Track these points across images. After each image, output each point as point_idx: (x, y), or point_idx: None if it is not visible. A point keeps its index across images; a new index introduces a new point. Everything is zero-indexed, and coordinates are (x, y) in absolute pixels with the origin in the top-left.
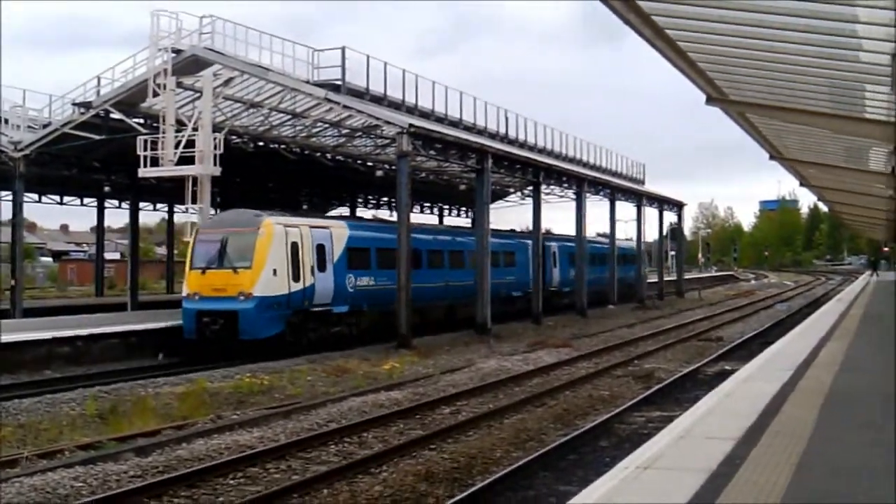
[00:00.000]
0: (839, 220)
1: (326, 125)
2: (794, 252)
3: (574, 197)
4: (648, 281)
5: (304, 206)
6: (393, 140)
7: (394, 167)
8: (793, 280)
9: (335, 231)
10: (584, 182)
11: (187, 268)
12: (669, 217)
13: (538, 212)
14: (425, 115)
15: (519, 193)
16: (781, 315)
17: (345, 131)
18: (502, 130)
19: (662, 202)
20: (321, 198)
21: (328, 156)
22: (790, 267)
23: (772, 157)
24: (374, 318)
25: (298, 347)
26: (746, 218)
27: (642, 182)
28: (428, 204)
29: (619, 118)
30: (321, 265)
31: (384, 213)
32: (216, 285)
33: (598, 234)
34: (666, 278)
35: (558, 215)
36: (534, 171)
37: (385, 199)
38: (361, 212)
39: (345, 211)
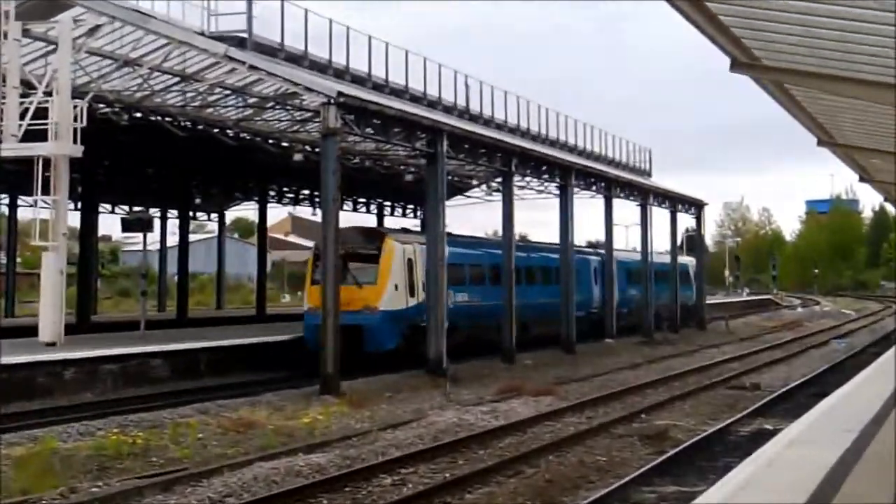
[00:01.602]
0: None
1: (228, 92)
2: (855, 270)
3: (557, 192)
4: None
5: (197, 201)
6: (316, 113)
7: (317, 149)
8: (853, 308)
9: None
10: (570, 173)
11: (307, 282)
12: (685, 220)
13: (509, 210)
14: (360, 80)
15: (484, 187)
16: (839, 356)
17: (252, 101)
18: (462, 102)
19: (676, 201)
20: (220, 188)
21: (230, 133)
22: (849, 290)
23: (820, 143)
24: (469, 335)
25: (413, 360)
26: (788, 223)
27: (648, 174)
28: (363, 199)
29: (619, 88)
30: None
31: (304, 211)
32: (341, 300)
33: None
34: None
35: (536, 216)
36: (504, 158)
37: (306, 191)
38: (274, 208)
39: (251, 206)
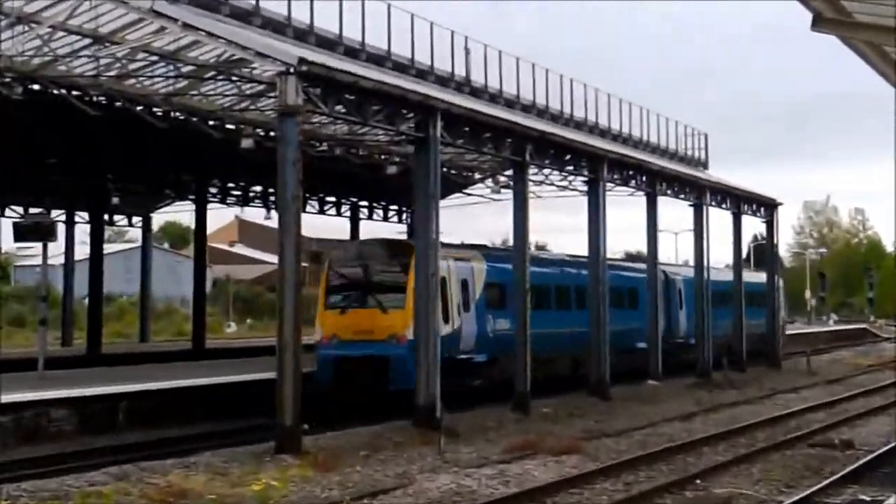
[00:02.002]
0: None
1: (155, 58)
2: None
3: (585, 189)
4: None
5: (115, 200)
6: (271, 86)
7: (273, 133)
8: None
9: (475, 265)
10: (602, 163)
11: (320, 307)
12: (752, 226)
13: (523, 211)
14: (328, 43)
15: (490, 182)
16: None
17: (187, 70)
18: (461, 73)
19: (740, 200)
20: (145, 184)
21: (158, 111)
22: None
23: None
24: (511, 370)
25: (448, 400)
26: (891, 228)
27: (704, 165)
28: (332, 198)
29: (668, 57)
30: (465, 304)
31: (256, 213)
32: (360, 327)
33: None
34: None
35: (556, 220)
36: (515, 144)
37: (257, 188)
38: (217, 210)
39: (185, 206)
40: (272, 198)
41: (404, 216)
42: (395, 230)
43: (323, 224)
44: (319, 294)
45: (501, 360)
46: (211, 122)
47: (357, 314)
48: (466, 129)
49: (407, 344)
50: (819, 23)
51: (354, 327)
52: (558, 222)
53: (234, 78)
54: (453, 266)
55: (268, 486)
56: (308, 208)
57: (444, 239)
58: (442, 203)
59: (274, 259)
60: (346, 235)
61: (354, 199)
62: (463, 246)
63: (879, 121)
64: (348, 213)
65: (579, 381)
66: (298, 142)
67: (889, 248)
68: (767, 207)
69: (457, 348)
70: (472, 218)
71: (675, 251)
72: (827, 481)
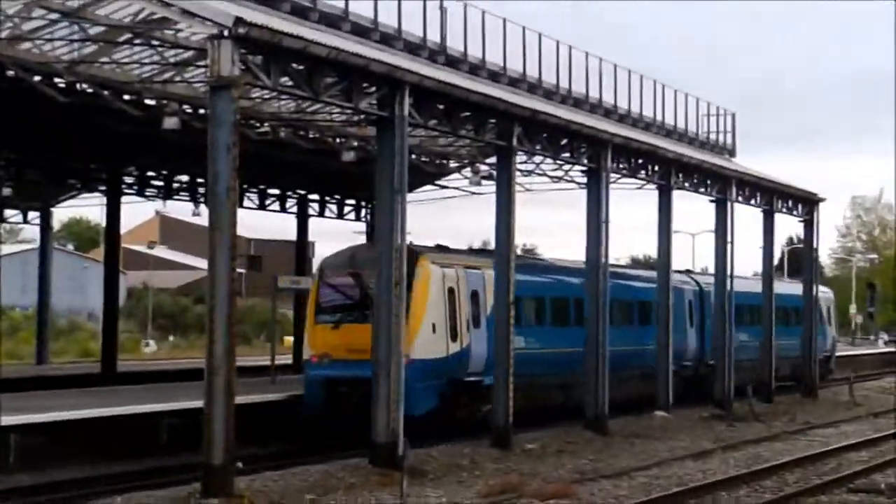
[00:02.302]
0: None
1: (56, 16)
2: None
3: (584, 180)
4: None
5: (6, 191)
6: (202, 53)
7: (203, 111)
8: None
9: (487, 274)
10: (605, 149)
11: (309, 321)
12: (788, 226)
13: (507, 206)
14: (270, 0)
15: (469, 171)
16: None
17: (97, 31)
18: (434, 38)
19: (773, 194)
20: (44, 172)
21: (60, 83)
22: None
23: None
24: (528, 395)
25: (452, 429)
26: None
27: (730, 152)
28: (276, 191)
29: (685, 24)
30: (475, 319)
31: (181, 208)
32: (355, 345)
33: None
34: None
35: (542, 215)
36: (500, 126)
37: (183, 177)
38: (133, 204)
39: (94, 199)
40: (201, 190)
41: (363, 212)
42: (351, 229)
43: (264, 222)
44: (309, 306)
45: (518, 382)
46: (126, 97)
47: (352, 330)
48: (441, 106)
49: (411, 365)
50: None
51: (349, 345)
52: (552, 221)
53: (154, 42)
54: (462, 275)
55: None
56: (246, 202)
57: (410, 239)
58: (410, 197)
59: (203, 264)
60: (292, 235)
61: (303, 192)
62: (472, 251)
63: None
64: (295, 209)
65: (575, 412)
66: (234, 122)
67: None
68: (806, 204)
69: (465, 370)
70: (447, 215)
71: (693, 256)
72: None
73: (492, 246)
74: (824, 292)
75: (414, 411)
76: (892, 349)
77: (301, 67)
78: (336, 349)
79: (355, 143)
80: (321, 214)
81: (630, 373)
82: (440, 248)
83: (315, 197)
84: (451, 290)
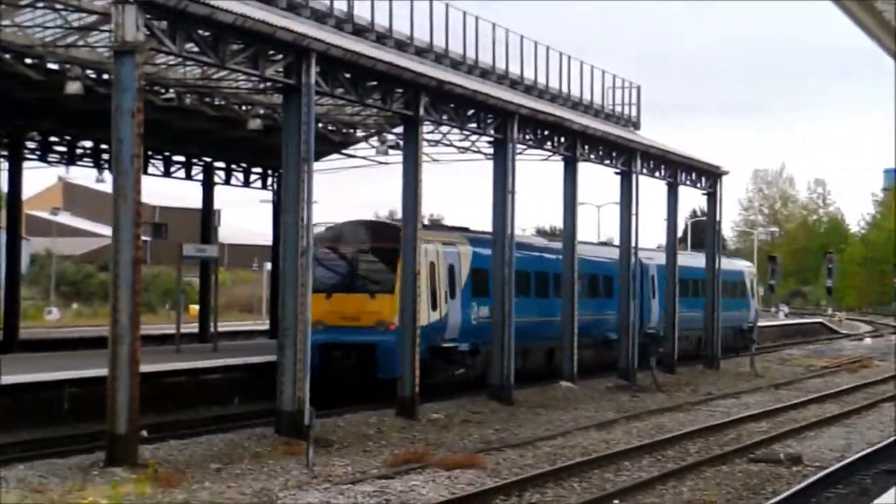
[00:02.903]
0: None
1: None
2: None
3: (491, 151)
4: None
5: None
6: (105, 17)
7: (107, 76)
8: None
9: (461, 249)
10: (512, 120)
11: None
12: (691, 199)
13: (414, 175)
14: None
15: (376, 140)
16: None
17: None
18: (341, 7)
19: (677, 168)
20: None
21: None
22: None
23: None
24: (489, 358)
25: (427, 391)
26: (855, 205)
27: (635, 125)
28: (182, 158)
29: None
30: (451, 291)
31: (84, 174)
32: (347, 313)
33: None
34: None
35: (450, 185)
36: (408, 95)
37: (86, 143)
38: (35, 170)
39: None
40: (105, 156)
41: (269, 181)
42: (257, 197)
43: (169, 189)
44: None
45: (483, 349)
46: (28, 61)
47: (344, 299)
48: (348, 75)
49: (395, 331)
50: None
51: (340, 313)
52: (460, 191)
53: (58, 6)
54: (441, 251)
55: None
56: (150, 169)
57: (317, 209)
58: (317, 165)
59: (107, 231)
60: (198, 203)
61: (208, 160)
62: (449, 228)
63: (849, 70)
64: (201, 177)
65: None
66: (138, 87)
67: (853, 228)
68: (709, 177)
69: (443, 336)
70: (355, 184)
71: (598, 227)
72: (769, 503)
73: (399, 216)
74: (748, 266)
75: (398, 373)
76: (792, 321)
77: (207, 34)
78: (328, 317)
79: (262, 111)
80: (227, 182)
81: (540, 344)
82: (422, 227)
83: (221, 165)
84: (431, 265)
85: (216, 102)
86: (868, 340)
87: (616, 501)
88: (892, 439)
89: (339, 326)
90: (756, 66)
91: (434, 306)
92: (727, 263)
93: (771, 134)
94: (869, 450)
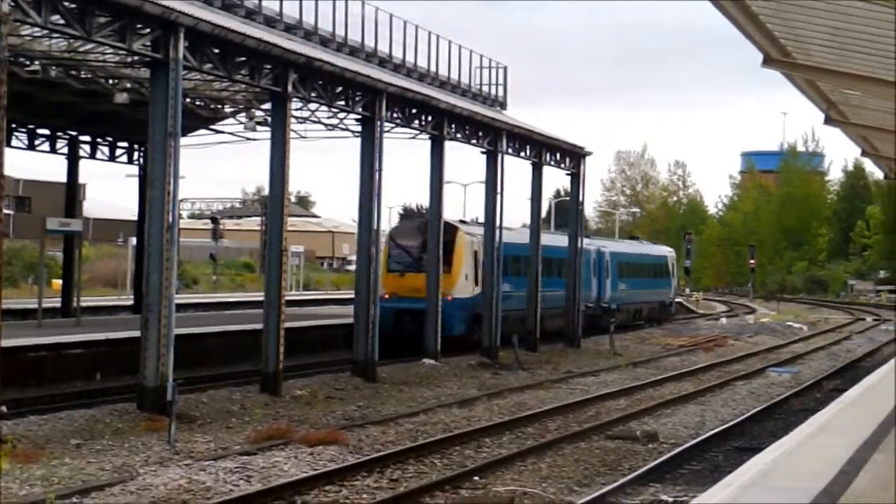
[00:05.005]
0: None
1: None
2: (812, 261)
3: (359, 128)
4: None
5: None
6: None
7: None
8: (806, 319)
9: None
10: (379, 98)
11: (383, 271)
12: (556, 179)
13: (283, 152)
14: None
15: (244, 116)
16: (780, 392)
17: None
18: None
19: (542, 148)
20: None
21: None
22: (801, 291)
23: (768, 62)
24: (513, 324)
25: (472, 346)
26: (714, 186)
27: (502, 105)
28: (45, 131)
29: None
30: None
31: None
32: (415, 287)
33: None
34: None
35: (319, 162)
36: (275, 71)
37: None
38: None
39: None
40: None
41: (136, 155)
42: (124, 172)
43: (35, 164)
44: (382, 260)
45: (510, 316)
46: None
47: (413, 277)
48: (216, 50)
49: (453, 301)
50: (768, 62)
51: (410, 287)
52: (328, 168)
53: None
54: (479, 240)
55: None
56: (14, 143)
57: (184, 184)
58: (184, 140)
59: None
60: (63, 177)
61: (73, 133)
62: (472, 223)
63: (710, 58)
64: (66, 150)
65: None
66: (2, 59)
67: (712, 210)
68: (573, 157)
69: (481, 306)
70: (223, 160)
71: (464, 206)
72: (625, 479)
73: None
74: (671, 252)
75: (454, 332)
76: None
77: (73, 6)
78: (401, 290)
79: (129, 85)
80: (93, 156)
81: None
82: (464, 223)
83: (86, 138)
84: (475, 252)
85: (82, 75)
86: (724, 320)
87: (476, 477)
88: (744, 417)
89: (409, 297)
90: (623, 48)
91: (476, 283)
92: (655, 249)
93: (634, 116)
94: (722, 427)
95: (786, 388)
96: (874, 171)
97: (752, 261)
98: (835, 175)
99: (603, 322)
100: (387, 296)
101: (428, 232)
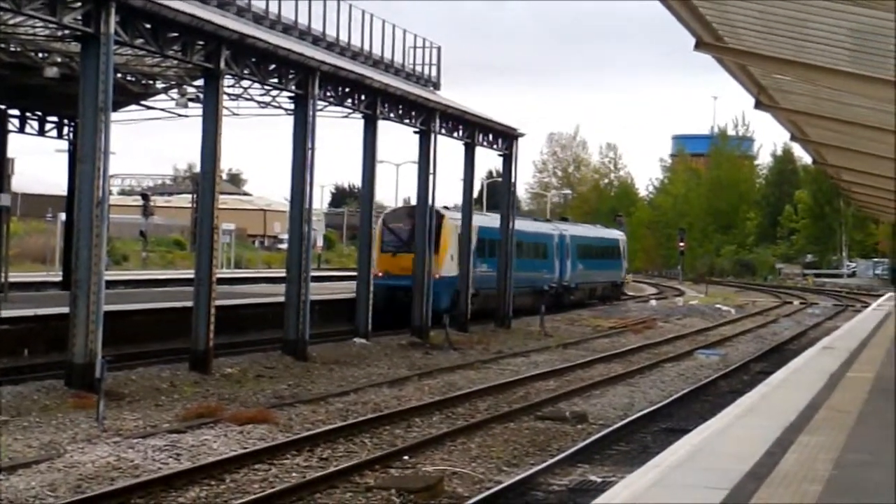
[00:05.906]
0: (843, 192)
1: None
2: (741, 245)
3: (292, 107)
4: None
5: None
6: None
7: None
8: (734, 302)
9: (474, 223)
10: (312, 76)
11: (377, 251)
12: (488, 160)
13: (214, 129)
14: None
15: (176, 93)
16: (708, 374)
17: None
18: None
19: (474, 128)
20: None
21: None
22: (730, 274)
23: (701, 45)
24: (486, 300)
25: (455, 319)
26: (645, 169)
27: (436, 85)
28: None
29: None
30: (469, 253)
31: None
32: (406, 266)
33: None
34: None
35: (252, 139)
36: (208, 48)
37: None
38: None
39: None
40: None
41: (66, 130)
42: (53, 147)
43: None
44: (376, 242)
45: (480, 293)
46: None
47: (404, 257)
48: (148, 25)
49: (440, 280)
50: (700, 46)
51: (400, 266)
52: (261, 146)
53: None
54: (457, 223)
55: None
56: None
57: (114, 160)
58: (115, 116)
59: None
60: None
61: (2, 107)
62: (453, 209)
63: (642, 41)
64: None
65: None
66: None
67: (642, 193)
68: (506, 138)
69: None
70: (154, 136)
71: (396, 186)
72: (553, 459)
73: (197, 169)
74: (622, 235)
75: (441, 305)
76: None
77: None
78: (393, 268)
79: (59, 59)
80: (21, 131)
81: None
82: (447, 209)
83: (15, 112)
84: (459, 236)
85: (11, 48)
86: (653, 302)
87: (406, 457)
88: (672, 398)
89: (400, 275)
90: (557, 30)
91: (460, 263)
92: (609, 233)
93: (567, 98)
94: (650, 408)
95: (714, 370)
96: (803, 156)
97: (681, 243)
98: (764, 159)
99: (564, 300)
100: (380, 273)
101: (416, 216)
